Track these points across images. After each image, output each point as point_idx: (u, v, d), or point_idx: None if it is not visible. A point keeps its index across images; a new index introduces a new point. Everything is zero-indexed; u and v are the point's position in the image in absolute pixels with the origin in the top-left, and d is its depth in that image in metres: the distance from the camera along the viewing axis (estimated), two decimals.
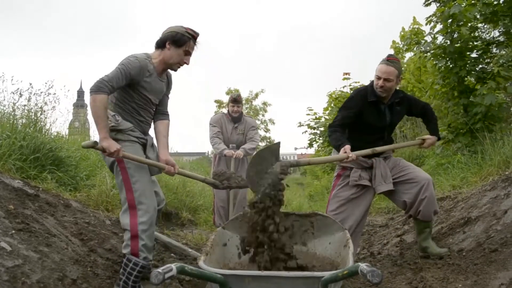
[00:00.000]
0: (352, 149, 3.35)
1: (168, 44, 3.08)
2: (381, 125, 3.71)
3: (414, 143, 4.00)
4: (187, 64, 3.18)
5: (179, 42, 3.07)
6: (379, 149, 3.59)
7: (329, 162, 3.62)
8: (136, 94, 3.08)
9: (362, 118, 3.63)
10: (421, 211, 3.58)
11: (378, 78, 3.55)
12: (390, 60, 3.59)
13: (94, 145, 2.83)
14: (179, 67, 3.21)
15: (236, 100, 5.72)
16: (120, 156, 2.87)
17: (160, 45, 3.12)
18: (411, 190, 3.60)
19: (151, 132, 3.41)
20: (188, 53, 3.15)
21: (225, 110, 6.16)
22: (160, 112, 3.38)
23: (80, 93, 51.37)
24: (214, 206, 5.80)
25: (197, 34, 3.16)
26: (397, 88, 3.74)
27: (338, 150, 3.43)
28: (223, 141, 5.68)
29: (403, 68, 12.31)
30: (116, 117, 3.02)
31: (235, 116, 5.73)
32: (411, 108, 3.88)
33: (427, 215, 3.60)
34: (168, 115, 3.46)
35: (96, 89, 2.80)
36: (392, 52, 13.29)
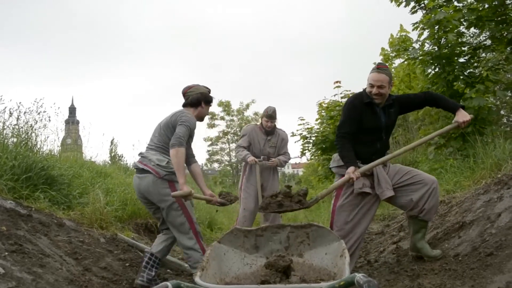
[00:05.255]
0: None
1: (204, 104, 3.99)
2: (377, 127, 3.76)
3: (450, 128, 3.83)
4: (208, 115, 4.36)
5: (210, 102, 4.07)
6: (384, 158, 3.68)
7: (338, 187, 3.71)
8: (190, 138, 3.92)
9: (360, 120, 3.71)
10: (425, 209, 3.64)
11: (372, 86, 3.64)
12: (380, 68, 3.70)
13: (190, 194, 3.47)
14: (204, 119, 4.18)
15: (271, 116, 5.76)
16: (191, 198, 3.61)
17: (196, 104, 3.96)
18: (419, 190, 3.67)
19: None
20: (210, 106, 4.14)
21: (258, 122, 6.23)
22: (191, 155, 4.12)
23: (72, 109, 51.19)
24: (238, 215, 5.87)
25: (210, 90, 4.10)
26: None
27: (344, 163, 3.64)
28: (255, 152, 5.76)
29: (392, 75, 12.41)
30: (169, 162, 3.67)
31: (269, 130, 5.80)
32: (407, 105, 3.92)
33: (430, 213, 3.68)
34: (195, 157, 4.24)
35: (179, 143, 3.53)
36: (381, 59, 13.40)
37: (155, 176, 3.65)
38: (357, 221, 3.70)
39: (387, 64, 3.89)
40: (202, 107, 3.97)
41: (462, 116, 3.65)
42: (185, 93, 4.00)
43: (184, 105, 3.99)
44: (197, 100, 3.95)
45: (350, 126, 3.70)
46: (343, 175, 3.79)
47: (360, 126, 3.71)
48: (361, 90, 3.88)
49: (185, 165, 3.79)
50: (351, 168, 3.50)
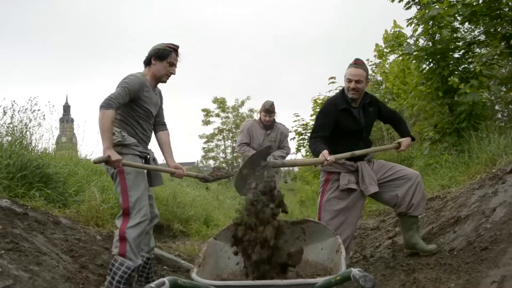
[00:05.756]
0: (335, 153, 3.51)
1: (154, 60, 3.44)
2: (358, 128, 3.81)
3: (390, 147, 4.09)
4: (174, 74, 3.54)
5: (162, 56, 3.44)
6: (358, 152, 3.65)
7: (311, 164, 3.77)
8: (138, 108, 3.38)
9: (339, 125, 3.75)
10: (414, 204, 3.68)
11: (349, 81, 3.70)
12: (357, 63, 3.76)
13: (108, 159, 3.06)
14: (167, 78, 3.56)
15: (268, 110, 5.70)
16: (120, 166, 3.13)
17: (147, 62, 3.49)
18: (404, 185, 3.71)
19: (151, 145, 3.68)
20: (172, 64, 3.50)
21: (256, 117, 6.11)
22: (159, 123, 3.72)
23: (66, 107, 51.08)
24: None
25: (177, 47, 3.53)
26: (370, 92, 3.87)
27: (317, 153, 3.56)
28: (254, 147, 5.69)
29: (387, 71, 12.43)
30: (122, 133, 3.30)
31: (267, 125, 5.75)
32: (380, 110, 4.00)
33: (419, 208, 3.72)
34: (166, 125, 3.79)
35: (106, 105, 3.10)
36: (375, 55, 13.42)
37: None
38: (344, 218, 3.71)
39: (363, 60, 3.94)
40: (153, 63, 3.44)
41: (406, 143, 3.91)
42: None
43: (144, 66, 3.55)
44: (148, 57, 3.48)
45: (323, 131, 3.73)
46: (329, 172, 3.82)
47: (342, 131, 3.76)
48: (339, 91, 3.97)
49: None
50: (325, 152, 3.44)
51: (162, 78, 3.52)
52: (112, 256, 3.16)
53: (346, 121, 3.75)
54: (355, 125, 3.77)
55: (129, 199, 3.20)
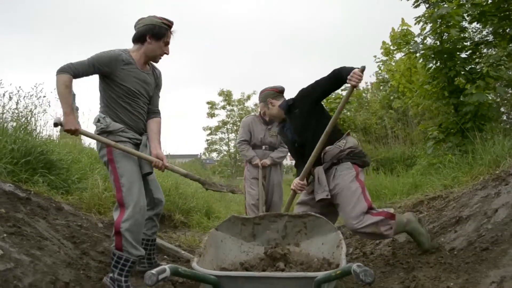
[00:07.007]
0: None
1: (149, 38, 3.16)
2: (293, 142, 3.78)
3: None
4: (167, 54, 3.28)
5: (159, 35, 3.17)
6: (306, 166, 3.54)
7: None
8: (116, 86, 3.14)
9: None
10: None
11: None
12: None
13: (61, 123, 3.00)
14: (160, 58, 3.31)
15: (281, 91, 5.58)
16: (77, 135, 3.08)
17: (140, 39, 3.19)
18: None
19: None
20: (167, 44, 3.25)
21: (257, 112, 5.94)
22: (151, 111, 3.43)
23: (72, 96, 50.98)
24: (245, 208, 5.71)
25: (172, 23, 3.25)
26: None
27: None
28: (256, 143, 5.56)
29: (393, 69, 12.38)
30: (106, 119, 3.12)
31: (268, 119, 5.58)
32: (306, 102, 3.65)
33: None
34: (159, 113, 3.50)
35: (60, 70, 2.97)
36: (381, 52, 13.36)
37: None
38: None
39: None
40: (148, 42, 3.16)
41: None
42: (134, 27, 3.26)
43: (133, 42, 3.26)
44: (142, 34, 3.16)
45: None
46: None
47: (291, 152, 3.97)
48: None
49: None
50: (294, 181, 3.64)
51: (156, 58, 3.29)
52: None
53: (287, 144, 3.97)
54: (290, 142, 3.84)
55: (122, 188, 3.05)
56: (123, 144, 3.11)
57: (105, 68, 3.06)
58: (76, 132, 3.02)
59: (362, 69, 3.20)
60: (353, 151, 3.51)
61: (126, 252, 3.03)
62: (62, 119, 3.03)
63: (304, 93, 3.66)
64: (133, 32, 3.25)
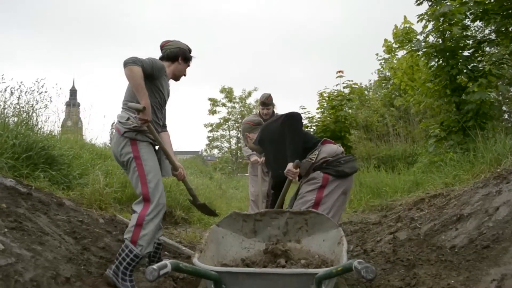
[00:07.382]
0: None
1: (181, 60, 3.59)
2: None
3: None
4: (185, 76, 3.72)
5: (187, 59, 3.64)
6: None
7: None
8: (156, 93, 3.38)
9: None
10: None
11: None
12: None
13: (142, 110, 3.08)
14: (180, 78, 3.71)
15: (264, 103, 5.63)
16: (144, 127, 3.20)
17: (172, 58, 3.57)
18: None
19: None
20: (189, 66, 3.70)
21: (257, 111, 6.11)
22: (163, 124, 3.68)
23: (73, 92, 50.97)
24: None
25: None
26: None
27: None
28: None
29: (395, 66, 12.36)
30: (136, 119, 3.24)
31: (266, 118, 5.60)
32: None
33: None
34: (166, 126, 3.77)
35: (132, 61, 3.08)
36: (384, 50, 13.33)
37: (118, 134, 3.28)
38: None
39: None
40: (179, 62, 3.58)
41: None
42: (162, 46, 3.63)
43: (161, 59, 3.58)
44: (175, 54, 3.57)
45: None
46: None
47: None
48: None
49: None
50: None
51: (179, 77, 3.68)
52: (123, 240, 3.14)
53: None
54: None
55: (149, 184, 3.16)
56: (148, 144, 3.29)
57: (157, 73, 3.30)
58: (148, 123, 3.18)
59: (297, 164, 3.30)
60: (327, 161, 3.44)
61: (139, 246, 3.08)
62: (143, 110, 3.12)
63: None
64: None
